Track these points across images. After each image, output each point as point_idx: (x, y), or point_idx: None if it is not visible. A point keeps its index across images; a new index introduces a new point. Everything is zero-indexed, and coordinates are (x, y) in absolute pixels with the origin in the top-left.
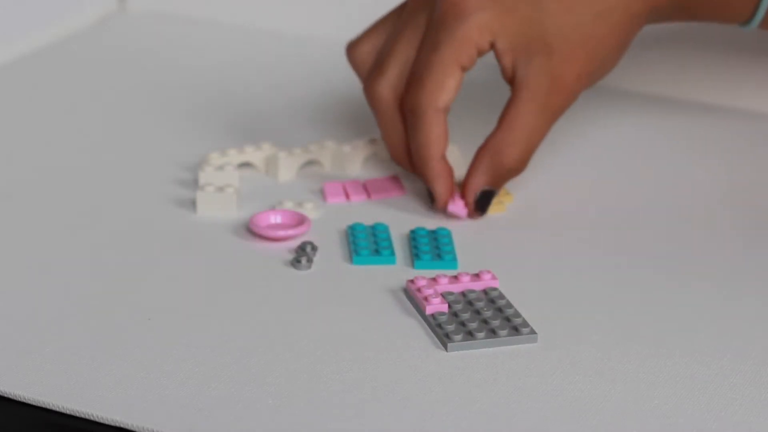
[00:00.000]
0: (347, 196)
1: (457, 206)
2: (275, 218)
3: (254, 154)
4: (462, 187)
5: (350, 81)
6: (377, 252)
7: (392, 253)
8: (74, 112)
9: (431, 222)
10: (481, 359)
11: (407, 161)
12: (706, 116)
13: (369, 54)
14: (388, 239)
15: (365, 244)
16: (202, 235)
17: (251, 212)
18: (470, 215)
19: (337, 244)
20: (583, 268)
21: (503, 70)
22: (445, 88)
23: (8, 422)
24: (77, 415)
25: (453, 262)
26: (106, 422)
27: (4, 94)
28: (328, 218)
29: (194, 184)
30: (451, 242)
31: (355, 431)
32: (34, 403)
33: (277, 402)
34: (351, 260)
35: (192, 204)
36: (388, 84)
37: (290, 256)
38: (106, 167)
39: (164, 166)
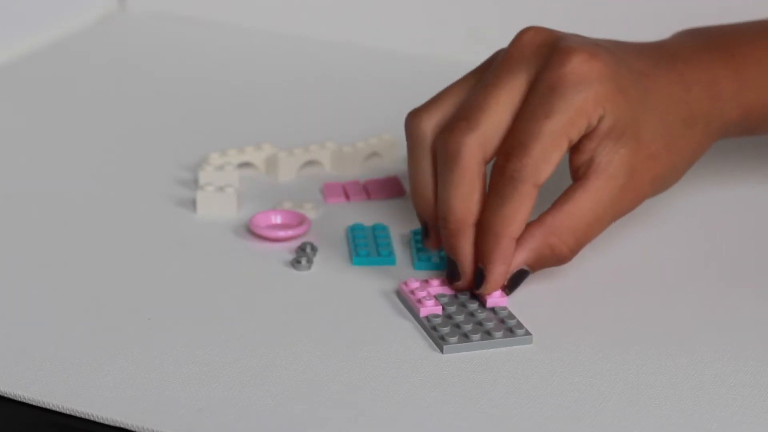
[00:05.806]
0: (347, 196)
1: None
2: (275, 218)
3: (254, 154)
4: None
5: (350, 81)
6: (377, 252)
7: (392, 254)
8: (74, 112)
9: None
10: (480, 360)
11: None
12: None
13: (434, 129)
14: (388, 240)
15: (365, 244)
16: (202, 235)
17: (251, 212)
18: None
19: (337, 245)
20: (582, 268)
21: (578, 151)
22: (550, 161)
23: (8, 422)
24: (77, 415)
25: None
26: (106, 422)
27: (4, 94)
28: (328, 218)
29: (194, 184)
30: None
31: (355, 431)
32: (34, 403)
33: (277, 402)
34: (351, 261)
35: (192, 204)
36: (479, 141)
37: (290, 257)
38: (106, 167)
39: (164, 166)
